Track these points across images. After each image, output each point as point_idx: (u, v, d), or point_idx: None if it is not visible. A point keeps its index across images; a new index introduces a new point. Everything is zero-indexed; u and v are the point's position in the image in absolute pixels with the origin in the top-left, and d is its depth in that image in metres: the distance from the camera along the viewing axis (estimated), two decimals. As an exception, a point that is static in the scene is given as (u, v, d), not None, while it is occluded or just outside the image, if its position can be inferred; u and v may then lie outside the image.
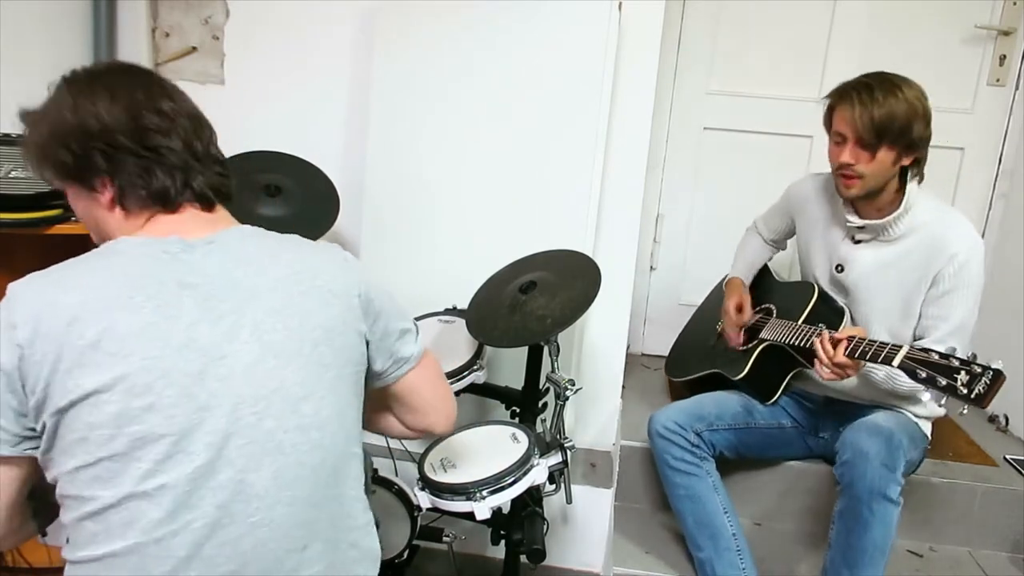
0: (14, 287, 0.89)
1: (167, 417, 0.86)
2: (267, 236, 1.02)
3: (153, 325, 0.87)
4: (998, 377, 1.28)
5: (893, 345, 1.41)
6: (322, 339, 0.96)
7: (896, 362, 1.38)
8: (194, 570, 0.87)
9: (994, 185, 2.37)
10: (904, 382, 1.51)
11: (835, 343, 1.49)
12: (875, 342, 1.45)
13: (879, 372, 1.62)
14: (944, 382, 1.31)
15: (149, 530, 0.85)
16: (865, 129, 1.54)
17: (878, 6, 2.30)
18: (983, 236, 2.38)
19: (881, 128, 1.53)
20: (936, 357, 1.34)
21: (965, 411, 1.34)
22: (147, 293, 0.89)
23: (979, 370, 1.28)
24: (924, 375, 1.34)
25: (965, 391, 1.29)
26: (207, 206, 1.00)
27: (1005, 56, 2.28)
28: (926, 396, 1.35)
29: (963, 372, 1.30)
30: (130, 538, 0.85)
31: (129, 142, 0.94)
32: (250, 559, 0.89)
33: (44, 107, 0.97)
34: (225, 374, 0.89)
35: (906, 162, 1.59)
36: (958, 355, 1.33)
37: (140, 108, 0.95)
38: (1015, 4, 2.24)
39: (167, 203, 0.97)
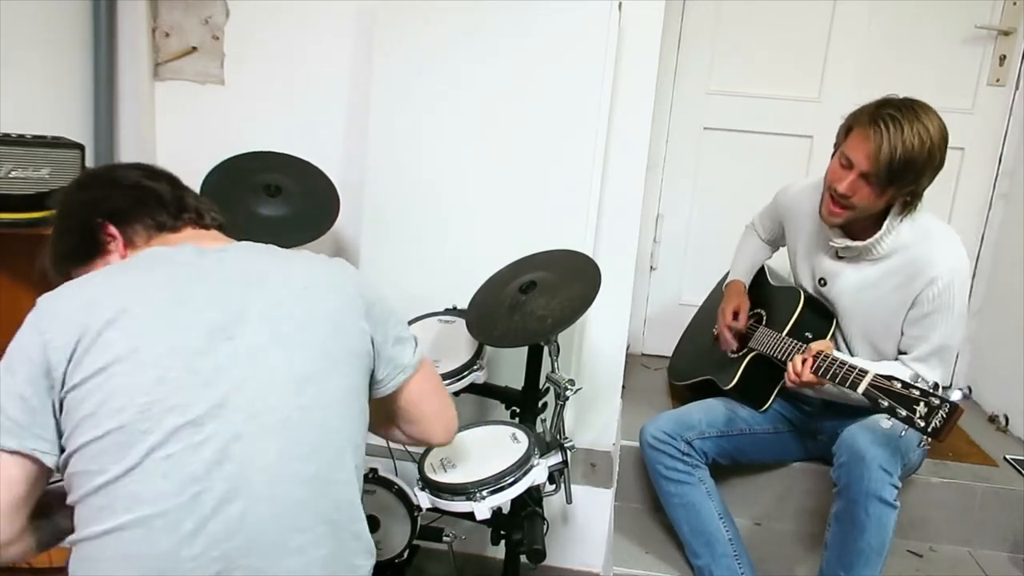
0: (43, 298, 0.95)
1: (174, 390, 0.89)
2: (276, 249, 1.10)
3: (163, 309, 0.93)
4: (954, 411, 1.28)
5: (860, 371, 1.41)
6: (328, 333, 1.01)
7: (860, 389, 1.39)
8: (198, 546, 0.86)
9: (994, 185, 2.36)
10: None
11: (803, 361, 1.51)
12: (844, 364, 1.45)
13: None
14: (904, 413, 1.32)
15: (156, 501, 0.86)
16: (882, 167, 1.46)
17: (878, 6, 2.30)
18: (983, 236, 2.39)
19: (898, 169, 1.45)
20: (899, 386, 1.34)
21: (926, 444, 1.34)
22: (159, 283, 0.96)
23: (937, 402, 1.29)
24: (886, 404, 1.35)
25: (922, 424, 1.30)
26: (207, 226, 1.11)
27: (1005, 56, 2.28)
28: (887, 424, 1.36)
29: (922, 404, 1.30)
30: (136, 511, 0.85)
31: (111, 191, 1.09)
32: (254, 535, 0.89)
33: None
34: (231, 352, 0.93)
35: (897, 201, 1.56)
36: (919, 385, 1.33)
37: (114, 173, 1.13)
38: (1015, 4, 2.24)
39: (166, 226, 1.08)
